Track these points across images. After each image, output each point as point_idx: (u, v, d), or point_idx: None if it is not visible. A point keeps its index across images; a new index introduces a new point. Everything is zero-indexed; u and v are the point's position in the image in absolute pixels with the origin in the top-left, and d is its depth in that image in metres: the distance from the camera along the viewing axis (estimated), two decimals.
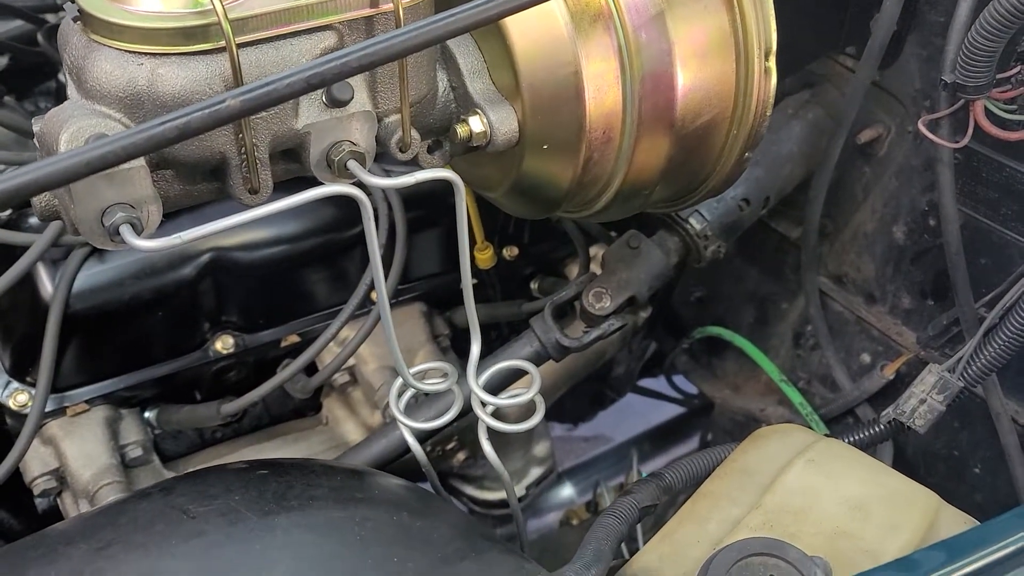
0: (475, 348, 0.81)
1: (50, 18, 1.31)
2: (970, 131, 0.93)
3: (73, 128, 0.61)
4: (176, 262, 1.08)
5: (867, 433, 0.98)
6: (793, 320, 1.33)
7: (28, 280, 1.03)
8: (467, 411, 0.87)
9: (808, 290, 1.23)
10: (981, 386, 1.00)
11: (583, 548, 0.74)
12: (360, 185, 0.68)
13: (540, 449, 1.46)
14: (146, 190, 0.64)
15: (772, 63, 0.80)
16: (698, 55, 0.79)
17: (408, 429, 0.86)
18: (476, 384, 0.80)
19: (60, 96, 1.37)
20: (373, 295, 1.13)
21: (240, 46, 0.63)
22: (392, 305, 1.23)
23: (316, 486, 0.67)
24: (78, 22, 0.65)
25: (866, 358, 1.21)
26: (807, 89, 1.18)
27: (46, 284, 1.03)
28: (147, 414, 1.17)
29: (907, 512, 0.74)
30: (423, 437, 0.99)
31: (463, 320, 1.31)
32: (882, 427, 0.97)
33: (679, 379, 1.65)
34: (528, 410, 0.87)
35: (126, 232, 0.62)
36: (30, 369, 1.08)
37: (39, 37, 1.26)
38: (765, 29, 0.78)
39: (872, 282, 1.19)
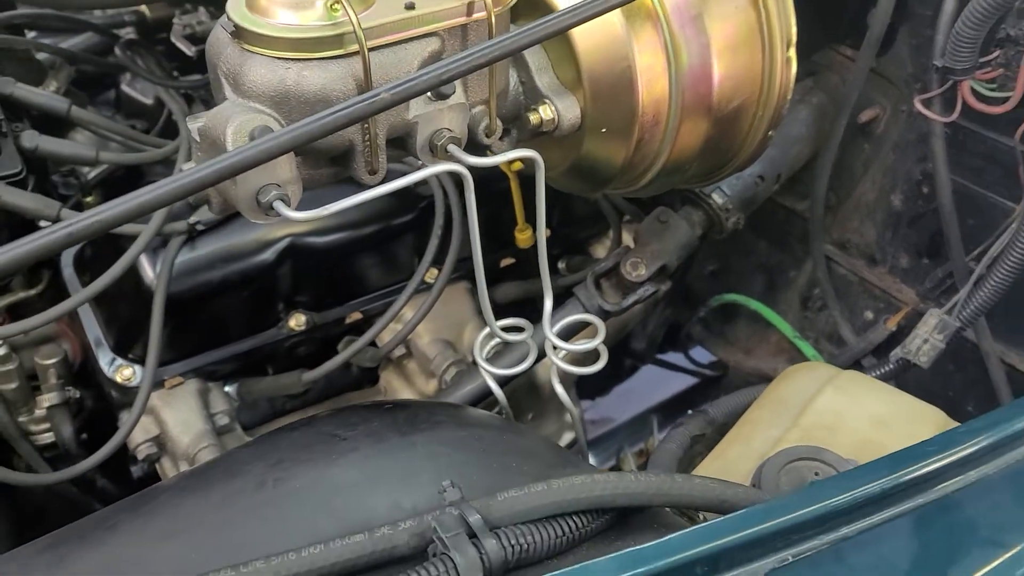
0: (548, 302, 0.94)
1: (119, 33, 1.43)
2: (959, 107, 1.07)
3: (237, 123, 0.74)
4: (258, 247, 1.19)
5: (879, 372, 1.12)
6: (800, 286, 1.47)
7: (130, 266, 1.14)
8: (541, 356, 1.00)
9: (816, 256, 1.37)
10: (972, 330, 1.15)
11: (652, 466, 0.88)
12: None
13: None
14: (291, 172, 0.77)
15: (793, 53, 0.94)
16: (730, 48, 0.92)
17: (490, 375, 0.99)
18: (551, 332, 0.94)
19: (119, 105, 1.48)
20: (426, 276, 1.26)
21: (368, 51, 0.76)
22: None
23: (436, 414, 0.80)
24: (227, 36, 0.78)
25: (869, 315, 1.35)
26: (810, 77, 1.33)
27: (147, 269, 1.15)
28: (227, 388, 1.29)
29: (923, 424, 0.88)
30: (501, 383, 1.11)
31: (502, 297, 1.44)
32: (892, 365, 1.11)
33: (695, 351, 1.78)
34: (585, 361, 1.00)
35: (280, 206, 0.75)
36: (132, 346, 1.20)
37: (116, 50, 1.38)
38: (787, 23, 0.92)
39: (873, 246, 1.33)
